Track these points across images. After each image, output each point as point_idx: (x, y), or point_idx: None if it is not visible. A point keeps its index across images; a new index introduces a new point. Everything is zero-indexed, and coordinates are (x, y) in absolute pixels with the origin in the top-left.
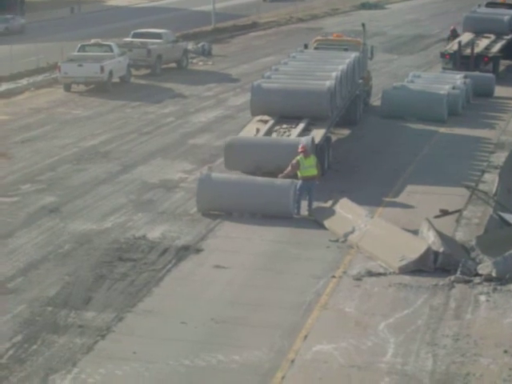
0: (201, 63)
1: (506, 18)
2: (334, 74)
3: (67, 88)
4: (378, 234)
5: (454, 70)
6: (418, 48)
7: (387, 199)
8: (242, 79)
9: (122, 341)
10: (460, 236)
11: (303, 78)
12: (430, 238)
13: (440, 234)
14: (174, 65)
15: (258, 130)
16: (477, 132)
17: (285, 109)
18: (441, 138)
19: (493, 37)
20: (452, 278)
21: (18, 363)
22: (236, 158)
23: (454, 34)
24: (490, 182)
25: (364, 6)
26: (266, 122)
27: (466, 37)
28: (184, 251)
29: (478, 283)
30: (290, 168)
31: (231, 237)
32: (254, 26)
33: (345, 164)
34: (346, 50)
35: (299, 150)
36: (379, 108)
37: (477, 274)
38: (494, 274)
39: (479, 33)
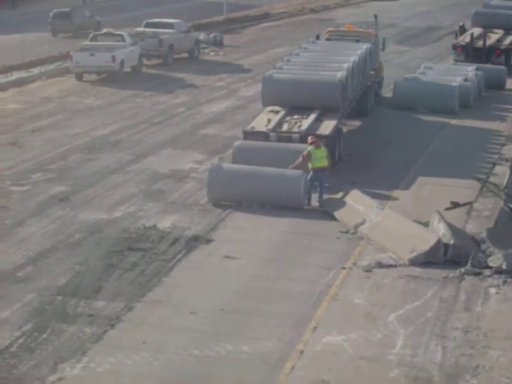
0: (212, 53)
1: None
2: (345, 66)
3: (79, 77)
4: (388, 225)
5: (466, 62)
6: (429, 40)
7: (398, 191)
8: (253, 70)
9: (132, 330)
10: (470, 228)
11: (315, 69)
12: (440, 230)
13: (450, 226)
14: (185, 55)
15: (269, 121)
16: (488, 124)
17: (296, 99)
18: (452, 130)
19: (502, 32)
20: (462, 270)
21: (28, 352)
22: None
23: (462, 31)
24: (501, 174)
25: None
26: (277, 112)
27: (475, 32)
28: (194, 241)
29: (488, 276)
30: (300, 159)
31: (241, 227)
32: (265, 16)
33: (356, 155)
34: (357, 41)
35: (309, 141)
36: (391, 99)
37: (487, 267)
38: (504, 267)
39: (488, 28)
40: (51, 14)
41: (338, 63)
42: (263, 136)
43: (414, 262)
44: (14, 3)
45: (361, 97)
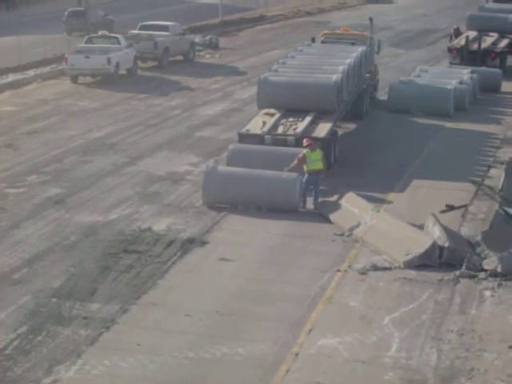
0: (208, 56)
1: (511, 16)
2: (340, 68)
3: (74, 80)
4: (383, 228)
5: (461, 65)
6: (425, 42)
7: (393, 194)
8: (248, 72)
9: (127, 333)
10: (465, 231)
11: (310, 71)
12: (435, 233)
13: (445, 229)
14: (180, 57)
15: (264, 123)
16: (483, 127)
17: (291, 102)
18: (447, 133)
19: (496, 35)
20: (457, 272)
21: (23, 354)
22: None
23: (457, 34)
24: (496, 177)
25: (371, 0)
26: (272, 115)
27: (470, 35)
28: (189, 244)
29: (483, 278)
30: (296, 161)
31: (237, 230)
32: (261, 19)
33: (351, 158)
34: (353, 44)
35: (304, 144)
36: (386, 102)
37: (482, 269)
38: (499, 270)
39: (482, 31)
40: (66, 13)
41: (333, 66)
42: (258, 139)
43: (409, 265)
44: (13, 5)
45: (356, 99)
